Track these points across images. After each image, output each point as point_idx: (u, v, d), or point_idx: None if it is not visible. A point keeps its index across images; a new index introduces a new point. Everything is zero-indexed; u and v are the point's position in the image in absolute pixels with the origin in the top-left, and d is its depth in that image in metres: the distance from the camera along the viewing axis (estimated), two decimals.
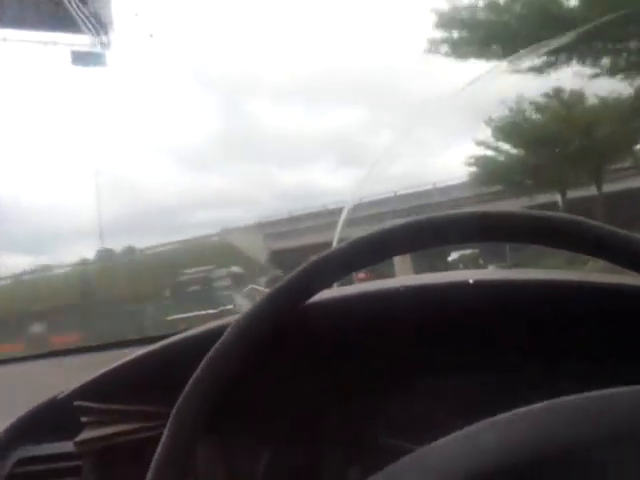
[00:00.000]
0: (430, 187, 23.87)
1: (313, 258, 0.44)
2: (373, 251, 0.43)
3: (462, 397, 0.57)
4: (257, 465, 0.55)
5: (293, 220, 24.20)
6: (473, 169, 18.09)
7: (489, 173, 17.40)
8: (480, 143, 17.42)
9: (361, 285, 0.58)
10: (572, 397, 0.32)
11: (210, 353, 0.42)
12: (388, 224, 0.44)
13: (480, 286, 0.52)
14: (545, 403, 0.32)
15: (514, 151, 17.44)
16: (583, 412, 0.32)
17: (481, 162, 17.68)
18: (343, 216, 1.25)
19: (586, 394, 0.32)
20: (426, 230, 0.43)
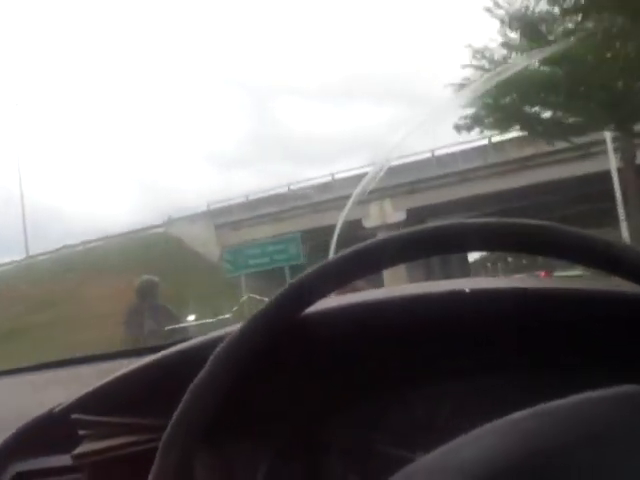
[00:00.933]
0: (428, 155, 23.13)
1: (310, 268, 0.57)
2: (369, 262, 0.56)
3: (458, 404, 0.72)
4: (256, 475, 0.69)
5: (250, 206, 23.76)
6: (478, 105, 13.68)
7: (502, 107, 13.26)
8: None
9: (358, 294, 0.72)
10: (551, 404, 0.44)
11: (208, 364, 0.54)
12: (384, 235, 0.58)
13: (475, 295, 0.67)
14: (525, 412, 0.43)
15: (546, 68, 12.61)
16: (562, 418, 0.42)
17: (496, 90, 12.72)
18: (350, 203, 1.40)
19: (563, 400, 0.44)
20: (422, 241, 0.56)
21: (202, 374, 0.54)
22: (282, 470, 0.70)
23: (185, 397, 0.53)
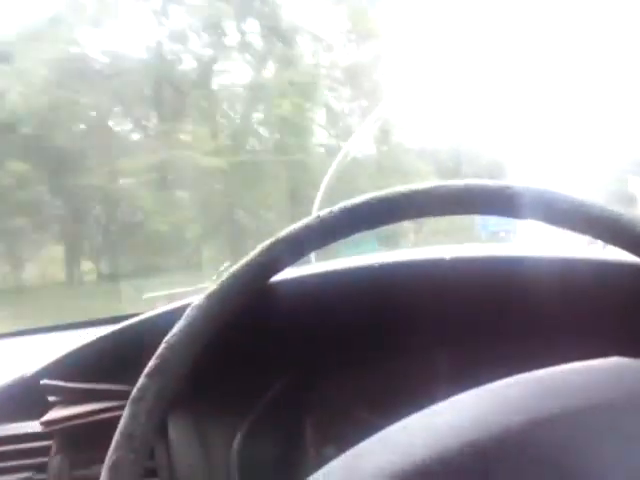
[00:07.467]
0: None
1: (280, 233, 0.54)
2: (344, 225, 0.54)
3: (439, 372, 0.71)
4: (232, 441, 0.68)
5: None
6: None
7: None
8: None
9: (335, 261, 0.71)
10: (535, 372, 0.41)
11: (172, 332, 0.51)
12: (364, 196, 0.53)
13: (455, 263, 0.65)
14: (506, 380, 0.40)
15: None
16: (543, 387, 0.40)
17: None
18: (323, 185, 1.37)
19: (545, 370, 0.42)
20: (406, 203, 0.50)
21: (166, 342, 0.51)
22: (259, 438, 0.69)
23: (149, 364, 0.50)
